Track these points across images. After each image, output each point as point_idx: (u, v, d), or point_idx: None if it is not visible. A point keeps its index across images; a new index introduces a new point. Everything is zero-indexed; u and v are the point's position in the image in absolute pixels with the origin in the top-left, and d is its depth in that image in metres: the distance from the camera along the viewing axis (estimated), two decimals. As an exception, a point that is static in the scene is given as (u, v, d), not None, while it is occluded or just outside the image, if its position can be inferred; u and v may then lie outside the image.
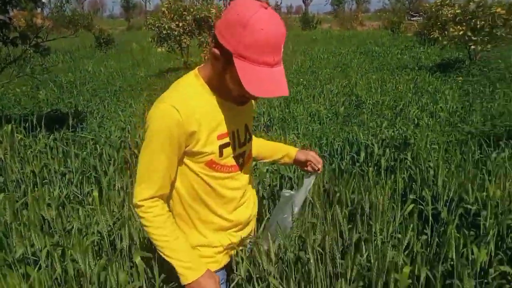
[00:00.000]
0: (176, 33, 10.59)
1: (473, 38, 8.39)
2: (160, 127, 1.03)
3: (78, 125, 4.78)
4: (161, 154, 1.05)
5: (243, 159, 1.22)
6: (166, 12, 10.92)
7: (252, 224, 1.36)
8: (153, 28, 10.95)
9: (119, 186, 2.74)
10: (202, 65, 1.14)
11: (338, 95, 7.13)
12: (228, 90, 1.07)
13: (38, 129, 3.60)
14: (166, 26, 10.51)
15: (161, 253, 1.12)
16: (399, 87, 7.38)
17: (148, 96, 7.92)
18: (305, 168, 1.47)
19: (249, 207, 1.29)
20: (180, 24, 10.57)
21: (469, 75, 8.11)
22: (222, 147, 1.13)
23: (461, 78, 7.97)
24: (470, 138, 4.00)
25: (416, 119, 5.29)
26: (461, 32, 8.40)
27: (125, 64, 13.09)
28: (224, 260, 1.27)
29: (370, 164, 3.05)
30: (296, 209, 1.42)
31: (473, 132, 4.50)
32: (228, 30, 0.97)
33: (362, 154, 3.10)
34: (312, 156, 1.45)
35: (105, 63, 13.39)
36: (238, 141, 1.19)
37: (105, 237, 1.86)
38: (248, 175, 1.28)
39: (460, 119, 5.31)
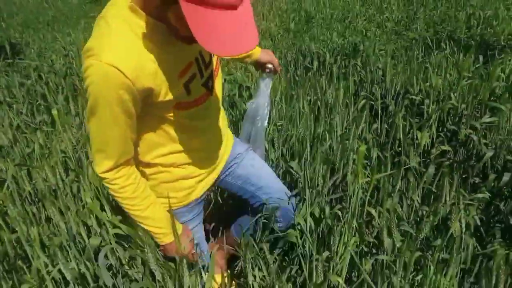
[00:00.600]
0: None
1: None
2: (106, 94, 0.81)
3: (15, 57, 4.42)
4: (113, 123, 0.86)
5: (212, 80, 1.03)
6: None
7: (230, 144, 1.29)
8: None
9: (75, 112, 2.67)
10: None
11: (288, 11, 7.01)
12: (175, 28, 0.81)
13: (-29, 62, 3.33)
14: None
15: (134, 220, 1.04)
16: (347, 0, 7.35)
17: (86, 24, 7.38)
18: (265, 70, 1.44)
19: (224, 129, 1.21)
20: None
21: (414, -16, 8.17)
22: (187, 84, 0.93)
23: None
24: (415, 43, 4.18)
25: (364, 30, 5.38)
26: None
27: (55, -9, 11.87)
28: (205, 186, 1.19)
29: (323, 72, 3.13)
30: (265, 111, 1.45)
31: (417, 39, 4.67)
32: None
33: (315, 63, 3.17)
34: (273, 57, 1.42)
35: (31, -9, 12.06)
36: (204, 64, 0.98)
37: (71, 156, 1.86)
38: (219, 93, 1.13)
39: (405, 28, 5.46)
